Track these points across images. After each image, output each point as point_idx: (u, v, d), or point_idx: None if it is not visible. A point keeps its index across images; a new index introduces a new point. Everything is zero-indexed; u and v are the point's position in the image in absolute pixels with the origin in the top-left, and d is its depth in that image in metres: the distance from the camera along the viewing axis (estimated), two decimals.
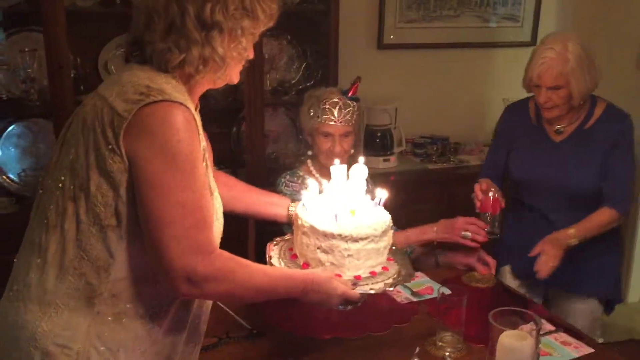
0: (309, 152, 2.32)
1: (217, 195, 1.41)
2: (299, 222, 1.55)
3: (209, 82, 1.37)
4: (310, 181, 1.68)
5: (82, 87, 2.81)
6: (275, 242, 1.70)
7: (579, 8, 3.83)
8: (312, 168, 2.32)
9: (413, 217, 2.26)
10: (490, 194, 2.23)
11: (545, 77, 2.14)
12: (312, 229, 1.50)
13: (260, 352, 1.71)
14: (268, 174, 2.95)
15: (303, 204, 1.59)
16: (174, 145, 1.19)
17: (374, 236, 1.50)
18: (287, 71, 3.19)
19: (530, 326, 1.40)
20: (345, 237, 1.47)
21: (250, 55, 1.39)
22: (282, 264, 1.58)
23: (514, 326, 1.39)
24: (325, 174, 2.27)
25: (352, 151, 2.28)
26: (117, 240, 1.25)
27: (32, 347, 1.25)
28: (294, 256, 1.60)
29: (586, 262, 2.25)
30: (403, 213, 2.14)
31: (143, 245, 1.26)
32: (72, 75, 2.72)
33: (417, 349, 1.63)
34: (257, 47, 1.50)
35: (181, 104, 1.22)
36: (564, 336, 1.77)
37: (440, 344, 1.68)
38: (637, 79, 3.60)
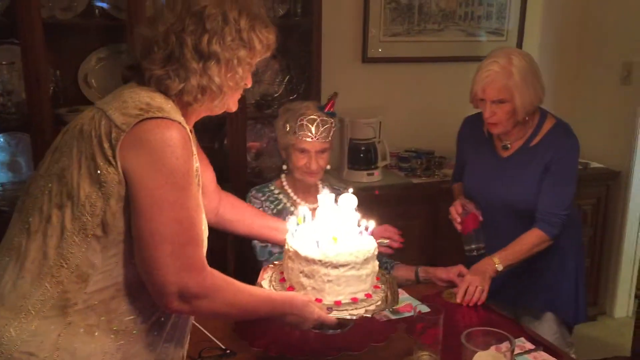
0: (284, 167, 2.29)
1: (204, 217, 1.41)
2: (286, 246, 1.60)
3: (206, 110, 1.40)
4: (302, 208, 1.71)
5: (61, 100, 2.78)
6: (272, 265, 1.74)
7: (563, 22, 3.84)
8: (285, 183, 2.30)
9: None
10: (467, 210, 2.22)
11: (489, 90, 2.10)
12: (296, 253, 1.54)
13: None
14: (251, 188, 2.91)
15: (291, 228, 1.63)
16: (172, 162, 1.21)
17: (355, 263, 1.52)
18: (270, 84, 3.16)
19: (505, 346, 1.38)
20: (326, 263, 1.50)
21: (248, 84, 1.42)
22: (272, 287, 1.61)
23: (487, 346, 1.36)
24: (299, 189, 2.26)
25: (329, 167, 2.26)
26: (100, 251, 1.25)
27: None
28: (283, 279, 1.63)
29: (536, 279, 2.24)
30: None
31: (126, 259, 1.27)
32: (51, 88, 2.69)
33: None
34: None
35: (179, 123, 1.25)
36: (543, 355, 1.75)
37: None
38: (621, 94, 3.61)
